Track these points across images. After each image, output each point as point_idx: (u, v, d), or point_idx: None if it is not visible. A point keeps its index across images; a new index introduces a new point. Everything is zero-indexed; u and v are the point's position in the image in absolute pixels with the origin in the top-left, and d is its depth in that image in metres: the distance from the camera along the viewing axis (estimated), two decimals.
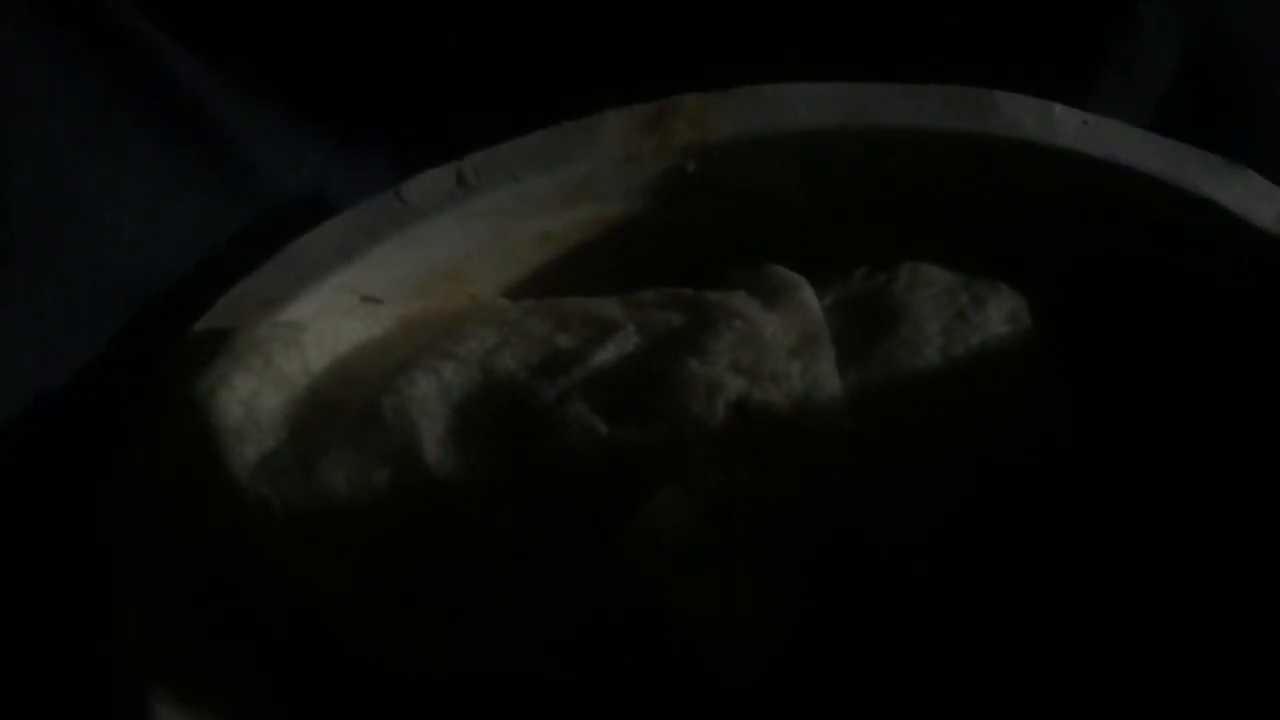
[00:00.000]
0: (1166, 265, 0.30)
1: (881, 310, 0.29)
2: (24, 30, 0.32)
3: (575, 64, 0.36)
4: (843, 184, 0.31)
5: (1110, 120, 0.30)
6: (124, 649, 0.28)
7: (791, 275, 0.30)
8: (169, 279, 0.33)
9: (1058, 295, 0.30)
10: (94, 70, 0.33)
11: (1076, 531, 0.28)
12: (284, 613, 0.29)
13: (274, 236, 0.31)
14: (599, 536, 0.27)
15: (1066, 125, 0.30)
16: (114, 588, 0.28)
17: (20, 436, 0.30)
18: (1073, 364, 0.29)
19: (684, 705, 0.28)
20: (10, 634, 0.30)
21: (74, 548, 0.29)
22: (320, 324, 0.30)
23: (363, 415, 0.28)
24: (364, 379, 0.29)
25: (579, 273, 0.32)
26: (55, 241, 0.32)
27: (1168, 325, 0.30)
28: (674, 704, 0.28)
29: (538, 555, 0.28)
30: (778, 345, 0.29)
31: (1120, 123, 0.30)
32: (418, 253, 0.31)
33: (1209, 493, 0.29)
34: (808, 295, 0.29)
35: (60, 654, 0.29)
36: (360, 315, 0.31)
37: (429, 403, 0.28)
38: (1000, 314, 0.29)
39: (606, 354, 0.29)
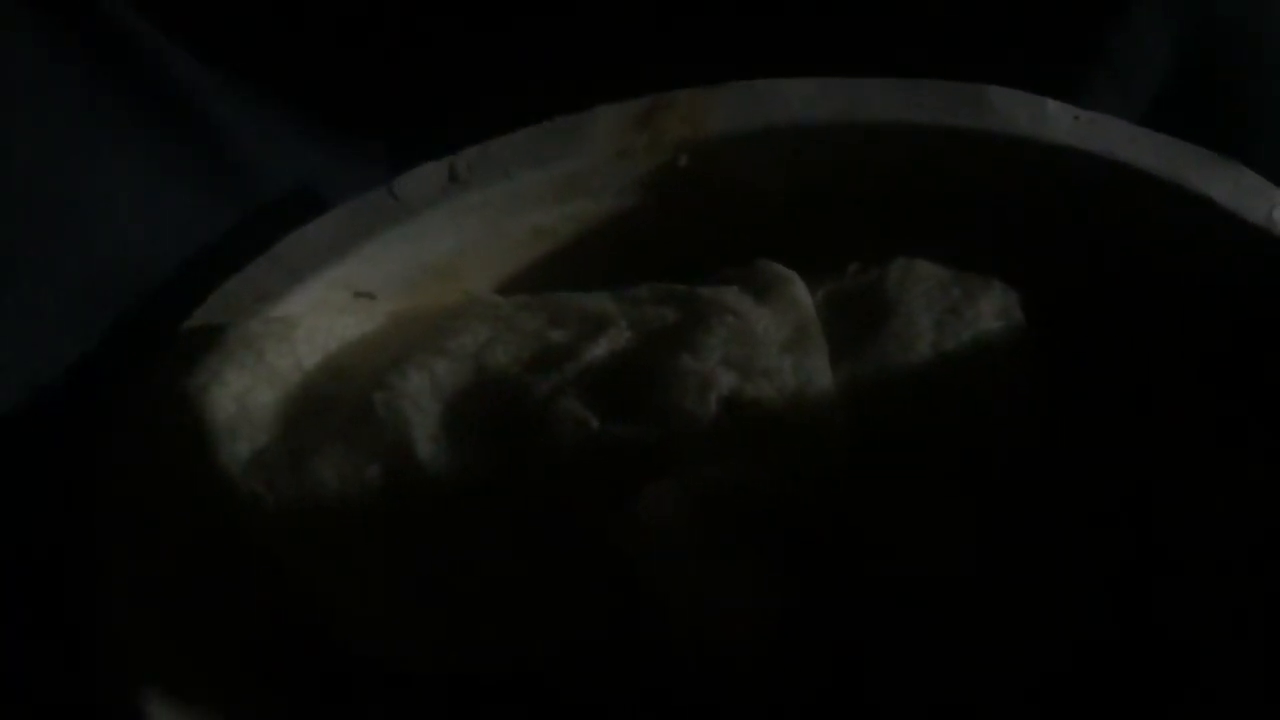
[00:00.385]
0: (1159, 261, 0.30)
1: (874, 305, 0.29)
2: (17, 27, 0.32)
3: (568, 60, 0.36)
4: (835, 179, 0.31)
5: (1103, 116, 0.30)
6: (116, 647, 0.28)
7: (784, 270, 0.30)
8: (162, 275, 0.33)
9: (1050, 290, 0.30)
10: (87, 67, 0.33)
11: (1069, 526, 0.28)
12: (277, 609, 0.29)
13: (266, 232, 0.31)
14: (592, 531, 0.27)
15: (1059, 121, 0.30)
16: (106, 584, 0.28)
17: (12, 432, 0.30)
18: (1065, 359, 0.29)
19: (678, 698, 0.28)
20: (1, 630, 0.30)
21: (66, 544, 0.29)
22: (313, 320, 0.30)
23: (355, 411, 0.28)
24: (356, 375, 0.29)
25: (572, 268, 0.32)
26: (48, 237, 0.32)
27: (1161, 320, 0.30)
28: (668, 697, 0.28)
29: (530, 550, 0.28)
30: (770, 340, 0.29)
31: (1113, 118, 0.30)
32: (410, 248, 0.31)
33: (1204, 487, 0.29)
34: (800, 290, 0.29)
35: (52, 650, 0.29)
36: (353, 311, 0.31)
37: (421, 398, 0.28)
38: (992, 309, 0.29)
39: (599, 349, 0.29)
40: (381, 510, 0.28)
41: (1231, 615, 0.28)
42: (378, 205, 0.31)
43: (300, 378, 0.29)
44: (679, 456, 0.27)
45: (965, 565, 0.27)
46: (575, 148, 0.31)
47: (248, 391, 0.29)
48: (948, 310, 0.29)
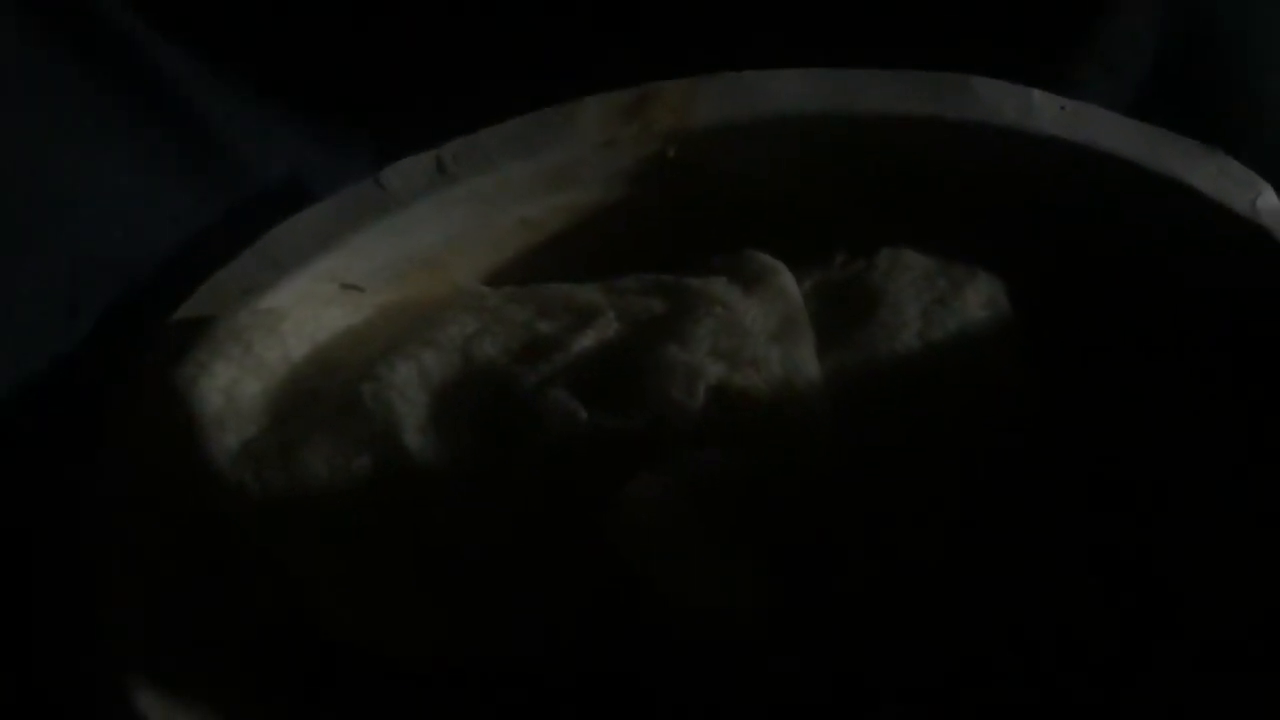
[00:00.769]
0: (1145, 250, 0.30)
1: (860, 295, 0.30)
2: (4, 21, 0.32)
3: (555, 50, 0.36)
4: (822, 170, 0.31)
5: (1088, 105, 0.30)
6: (106, 640, 0.28)
7: (771, 261, 0.30)
8: (148, 267, 0.33)
9: (1036, 280, 0.30)
10: (74, 61, 0.33)
11: (1055, 515, 0.28)
12: (268, 601, 0.29)
13: (254, 224, 0.31)
14: (580, 522, 0.27)
15: (1045, 110, 0.30)
16: (95, 578, 0.28)
17: (1, 426, 0.30)
18: (1051, 347, 0.29)
19: (669, 685, 0.28)
20: None
21: (55, 537, 0.29)
22: (300, 312, 0.30)
23: (343, 402, 0.28)
24: (344, 366, 0.29)
25: (560, 259, 0.32)
26: (34, 230, 0.32)
27: (1147, 309, 0.30)
28: (659, 684, 0.28)
29: (519, 541, 0.28)
30: (757, 331, 0.29)
31: (1098, 108, 0.30)
32: (398, 240, 0.31)
33: (1189, 472, 0.29)
34: (787, 281, 0.30)
35: (41, 644, 0.29)
36: (340, 303, 0.31)
37: (409, 389, 0.28)
38: (978, 299, 0.29)
39: (587, 340, 0.29)
40: (370, 501, 0.28)
41: (1222, 602, 0.28)
42: (365, 197, 0.31)
43: (288, 369, 0.29)
44: (667, 446, 0.27)
45: (952, 554, 0.27)
46: (563, 139, 0.31)
47: (235, 383, 0.28)
48: (934, 300, 0.29)
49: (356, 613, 0.28)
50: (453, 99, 0.33)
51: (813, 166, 0.31)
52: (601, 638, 0.28)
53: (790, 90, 0.30)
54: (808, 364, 0.28)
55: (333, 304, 0.31)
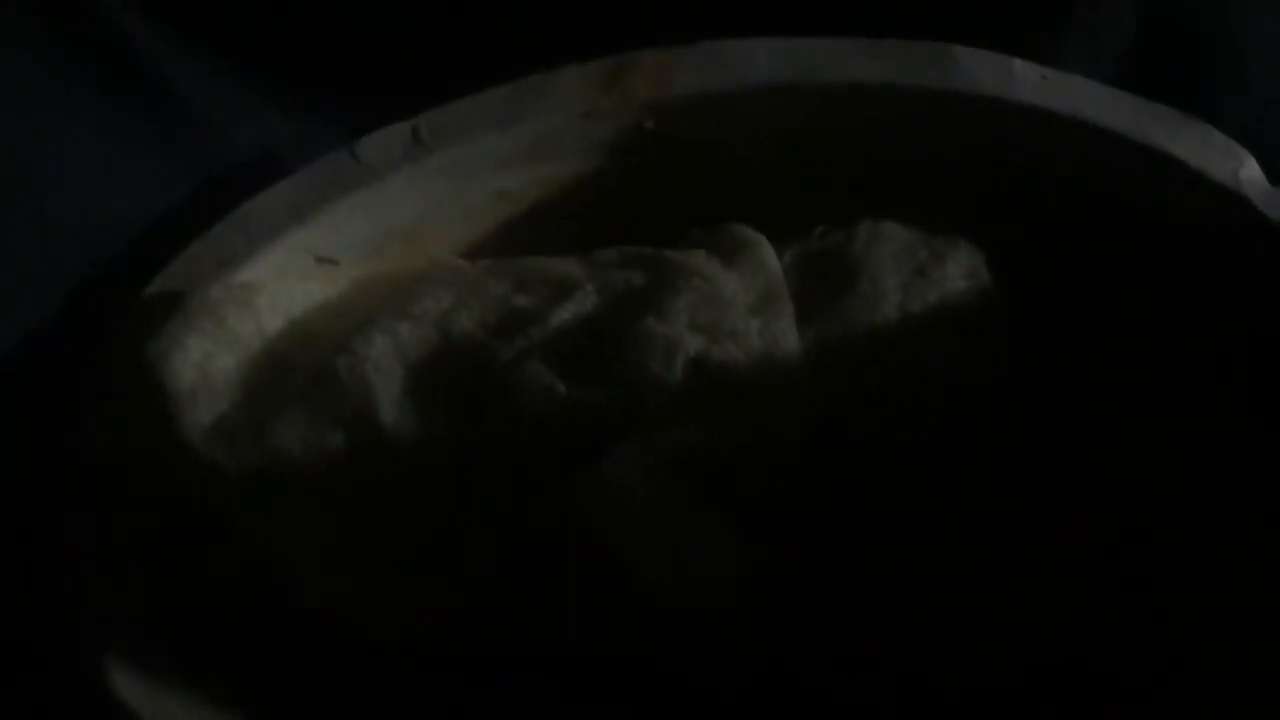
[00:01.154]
0: (1125, 220, 0.30)
1: (841, 267, 0.29)
2: None
3: (532, 19, 0.35)
4: (802, 140, 0.31)
5: (1069, 75, 0.30)
6: (80, 620, 0.28)
7: (751, 233, 0.30)
8: (122, 241, 0.33)
9: (1017, 250, 0.30)
10: (43, 31, 0.33)
11: (1035, 484, 0.28)
12: (243, 577, 0.29)
13: (227, 197, 0.31)
14: (558, 496, 0.27)
15: (1025, 80, 0.29)
16: (68, 555, 0.28)
17: None
18: (1032, 318, 0.29)
19: (650, 658, 0.28)
20: None
21: (26, 512, 0.29)
22: (274, 285, 0.29)
23: (317, 376, 0.28)
24: (319, 340, 0.29)
25: (537, 232, 0.32)
26: (5, 205, 0.31)
27: (1127, 279, 0.30)
28: (640, 657, 0.28)
29: (496, 516, 0.28)
30: (737, 303, 0.29)
31: (1079, 77, 0.30)
32: (373, 213, 0.31)
33: (1173, 442, 0.29)
34: (767, 253, 0.29)
35: (12, 628, 0.29)
36: (315, 276, 0.30)
37: (385, 363, 0.28)
38: (959, 270, 0.29)
39: (565, 314, 0.29)
40: (345, 476, 0.28)
41: (1215, 582, 0.28)
42: (339, 169, 0.30)
43: (262, 344, 0.29)
44: (646, 420, 0.27)
45: (929, 526, 0.27)
46: (539, 109, 0.30)
47: (209, 358, 0.28)
48: (914, 272, 0.29)
49: (331, 589, 0.28)
50: (428, 69, 0.33)
51: (792, 137, 0.31)
52: (580, 612, 0.28)
53: (770, 60, 0.30)
54: (787, 336, 0.28)
55: (307, 277, 0.30)
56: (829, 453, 0.27)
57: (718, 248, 0.29)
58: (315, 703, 0.28)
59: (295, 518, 0.28)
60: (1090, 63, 0.33)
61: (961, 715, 0.27)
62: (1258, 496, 0.28)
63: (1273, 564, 0.27)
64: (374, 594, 0.28)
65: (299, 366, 0.28)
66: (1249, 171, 0.29)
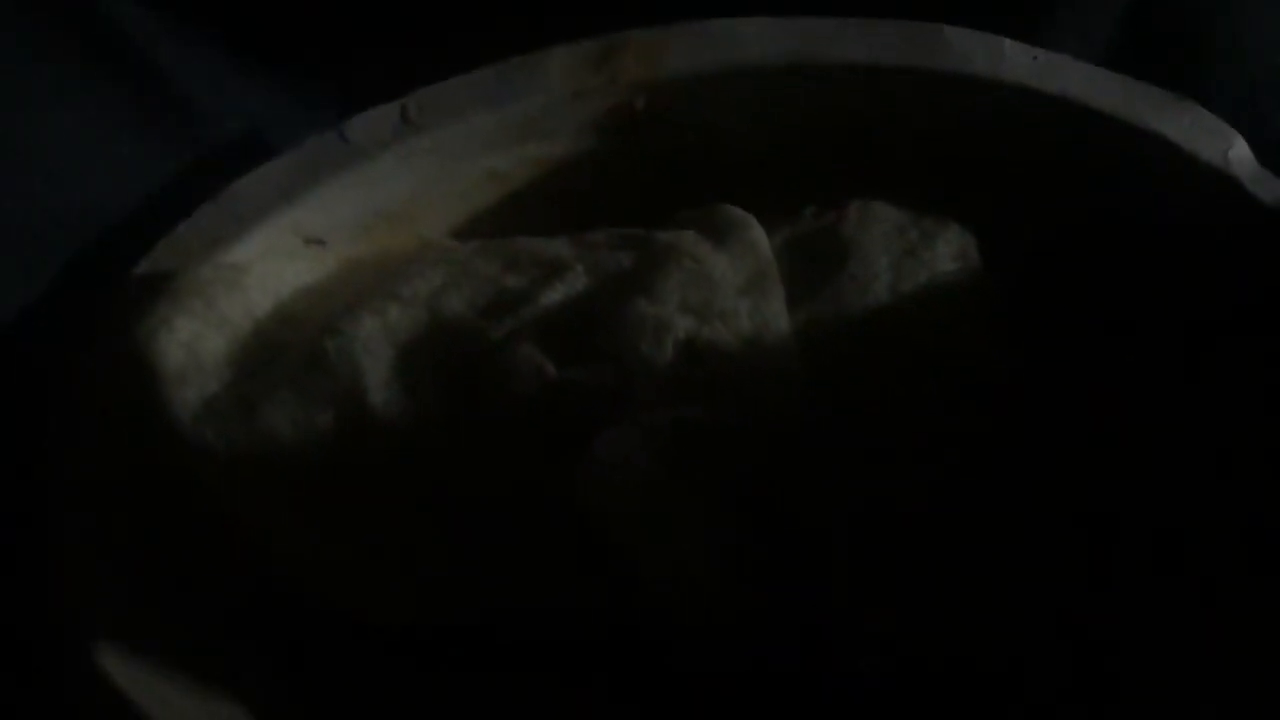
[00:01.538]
0: (1115, 200, 0.30)
1: (831, 248, 0.29)
2: None
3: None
4: (792, 120, 0.31)
5: (1060, 55, 0.30)
6: (72, 604, 0.28)
7: (741, 214, 0.29)
8: (109, 222, 0.32)
9: (1007, 231, 0.30)
10: (28, 11, 0.32)
11: (1028, 466, 0.28)
12: (237, 560, 0.29)
13: (215, 178, 0.31)
14: (548, 477, 0.27)
15: (1016, 60, 0.29)
16: (57, 538, 0.28)
17: None
18: (1023, 299, 0.29)
19: (643, 640, 0.28)
20: None
21: (13, 496, 0.29)
22: (263, 266, 0.29)
23: (306, 357, 0.28)
24: (308, 321, 0.29)
25: (527, 212, 0.32)
26: None
27: (1117, 259, 0.30)
28: (633, 640, 0.28)
29: (486, 498, 0.28)
30: (727, 284, 0.28)
31: (1070, 58, 0.30)
32: (362, 193, 0.30)
33: (1163, 423, 0.29)
34: (757, 234, 0.29)
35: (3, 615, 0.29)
36: (304, 257, 0.30)
37: (374, 344, 0.28)
38: (949, 251, 0.29)
39: (555, 294, 0.29)
40: (335, 458, 0.27)
41: (1203, 567, 0.28)
42: (328, 149, 0.30)
43: (251, 325, 0.29)
44: (637, 401, 0.27)
45: (922, 505, 0.27)
46: (530, 89, 0.30)
47: (197, 339, 0.28)
48: (905, 252, 0.29)
49: (322, 571, 0.28)
50: (417, 48, 0.33)
51: (782, 117, 0.31)
52: (572, 594, 0.28)
53: (760, 39, 0.30)
54: (778, 318, 0.28)
55: (296, 258, 0.30)
56: (820, 433, 0.27)
57: (708, 228, 0.29)
58: (309, 687, 0.28)
59: (286, 498, 0.28)
60: (1081, 44, 0.33)
61: (955, 698, 0.27)
62: (1246, 480, 0.28)
63: (1258, 544, 0.27)
64: (364, 575, 0.28)
65: (288, 347, 0.28)
66: (1238, 152, 0.29)
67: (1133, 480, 0.29)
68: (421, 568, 0.28)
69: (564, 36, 0.31)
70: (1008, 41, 0.30)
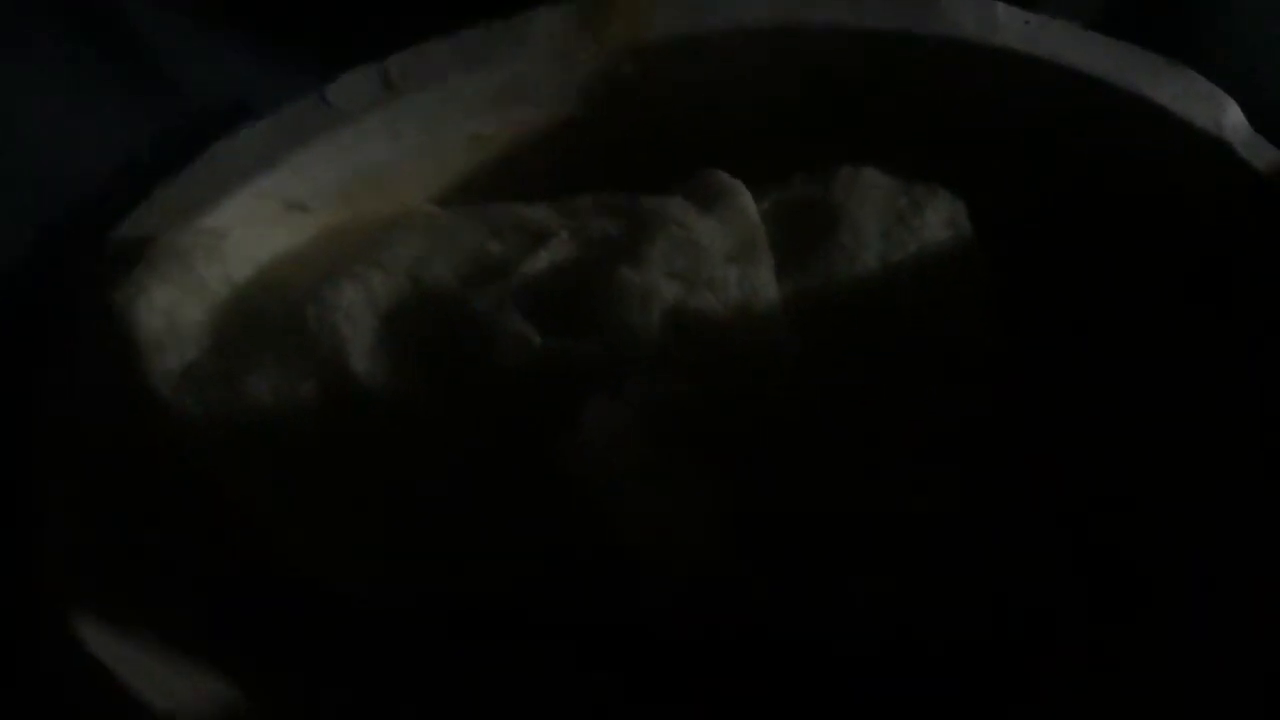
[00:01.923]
0: (1108, 166, 0.30)
1: (820, 215, 0.29)
2: None
3: None
4: (780, 85, 0.31)
5: (1052, 20, 0.29)
6: (48, 576, 0.27)
7: (729, 180, 0.29)
8: (85, 187, 0.32)
9: (999, 199, 0.29)
10: None
11: (1018, 442, 0.28)
12: (216, 530, 0.28)
13: (192, 142, 0.30)
14: (533, 448, 0.27)
15: (1008, 25, 0.29)
16: (35, 508, 0.28)
17: None
18: (1013, 267, 0.29)
19: (630, 614, 0.28)
20: None
21: None
22: (242, 232, 0.29)
23: (287, 325, 0.28)
24: (289, 288, 0.28)
25: (511, 178, 0.31)
26: None
27: (1110, 227, 0.30)
28: (620, 614, 0.28)
29: (470, 469, 0.27)
30: (715, 251, 0.28)
31: (1062, 22, 0.29)
32: (343, 158, 0.30)
33: (1151, 390, 0.29)
34: (746, 201, 0.29)
35: None
36: (284, 223, 0.30)
37: (356, 312, 0.28)
38: (939, 218, 0.29)
39: (540, 262, 0.29)
40: (317, 428, 0.27)
41: (1199, 536, 0.28)
42: (308, 113, 0.30)
43: (230, 291, 0.28)
44: (623, 370, 0.27)
45: (911, 474, 0.27)
46: (514, 51, 0.30)
47: (175, 305, 0.28)
48: (895, 220, 0.29)
49: (304, 542, 0.28)
50: (399, 9, 0.32)
51: (770, 82, 0.31)
52: (559, 568, 0.28)
53: (751, 2, 0.30)
54: (766, 286, 0.28)
55: (276, 224, 0.30)
56: (808, 402, 0.27)
57: (695, 195, 0.29)
58: (292, 659, 0.28)
59: (267, 467, 0.27)
60: (1074, 8, 0.33)
61: (947, 667, 0.27)
62: (1237, 449, 0.28)
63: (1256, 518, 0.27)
64: (345, 548, 0.28)
65: (269, 315, 0.28)
66: (1232, 118, 0.29)
67: (1125, 455, 0.29)
68: (404, 537, 0.28)
69: None
70: (1000, 5, 0.29)
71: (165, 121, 0.33)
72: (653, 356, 0.27)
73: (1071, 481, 0.28)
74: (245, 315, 0.28)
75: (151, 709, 0.26)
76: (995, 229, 0.29)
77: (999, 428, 0.27)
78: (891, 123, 0.31)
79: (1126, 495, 0.28)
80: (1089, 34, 0.29)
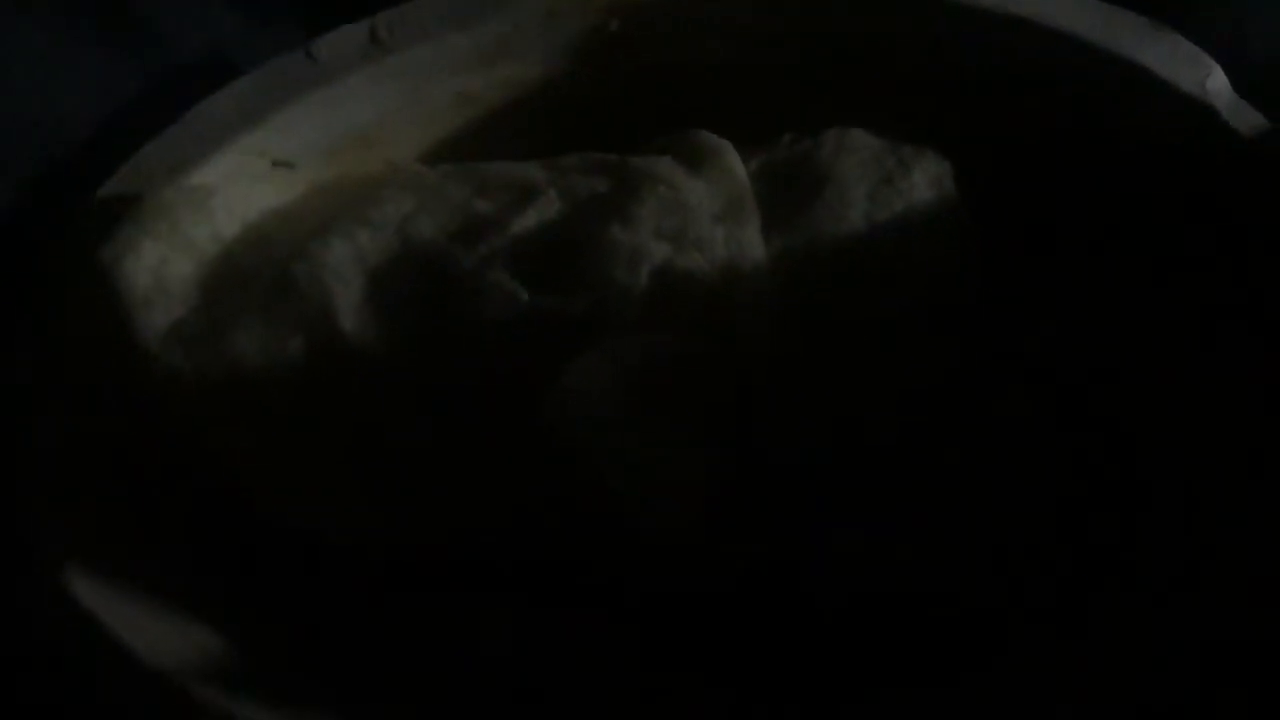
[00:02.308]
0: (1091, 127, 0.30)
1: (807, 176, 0.29)
2: None
3: None
4: (768, 45, 0.31)
5: None
6: (37, 526, 0.27)
7: (717, 140, 0.29)
8: (70, 139, 0.32)
9: (984, 160, 0.29)
10: None
11: (998, 397, 0.28)
12: (202, 485, 0.28)
13: (179, 99, 0.30)
14: (520, 404, 0.27)
15: None
16: (19, 465, 0.28)
17: None
18: (999, 229, 0.29)
19: (609, 570, 0.28)
20: None
21: None
22: (229, 189, 0.29)
23: (276, 282, 0.28)
24: (276, 245, 0.28)
25: (499, 136, 0.31)
26: None
27: (1092, 187, 0.30)
28: (604, 568, 0.28)
29: (457, 425, 0.28)
30: (702, 211, 0.28)
31: None
32: (330, 115, 0.30)
33: (1137, 351, 0.29)
34: (733, 160, 0.29)
35: None
36: (271, 180, 0.30)
37: (344, 269, 0.28)
38: (925, 179, 0.29)
39: (527, 220, 0.29)
40: (304, 383, 0.27)
41: (1187, 481, 0.28)
42: (295, 69, 0.30)
43: (218, 248, 0.28)
44: (610, 328, 0.27)
45: (894, 432, 0.27)
46: (501, 9, 0.30)
47: (163, 262, 0.28)
48: (881, 180, 0.29)
49: (292, 497, 0.28)
50: None
51: (759, 41, 0.31)
52: (543, 523, 0.28)
53: None
54: (753, 245, 0.28)
55: (263, 181, 0.29)
56: (794, 360, 0.27)
57: (684, 154, 0.29)
58: (279, 610, 0.28)
59: (254, 424, 0.27)
60: None
61: (929, 618, 0.27)
62: (1216, 405, 0.28)
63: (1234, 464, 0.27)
64: (332, 502, 0.28)
65: (256, 271, 0.28)
66: (1216, 82, 0.29)
67: (1105, 410, 0.29)
68: (388, 494, 0.28)
69: None
70: None
71: (148, 76, 0.33)
72: (640, 314, 0.27)
73: (1049, 438, 0.28)
74: (233, 272, 0.28)
75: (140, 661, 0.26)
76: (979, 187, 0.29)
77: (979, 384, 0.28)
78: (879, 81, 0.31)
79: (1103, 450, 0.28)
80: None
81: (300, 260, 0.28)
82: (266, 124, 0.29)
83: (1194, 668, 0.25)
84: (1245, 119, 0.28)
